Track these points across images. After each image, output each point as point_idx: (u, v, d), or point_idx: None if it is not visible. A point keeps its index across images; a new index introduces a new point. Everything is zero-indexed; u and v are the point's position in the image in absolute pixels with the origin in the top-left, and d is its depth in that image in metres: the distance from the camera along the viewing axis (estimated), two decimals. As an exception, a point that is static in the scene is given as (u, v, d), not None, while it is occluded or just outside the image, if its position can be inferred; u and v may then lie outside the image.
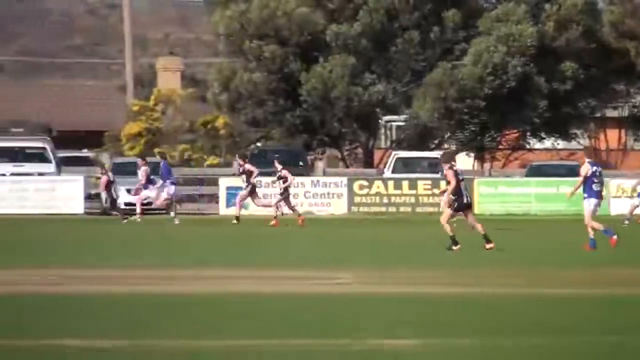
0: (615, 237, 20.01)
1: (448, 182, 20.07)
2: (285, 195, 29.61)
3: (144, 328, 10.84)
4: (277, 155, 31.78)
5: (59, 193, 32.48)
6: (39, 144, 36.50)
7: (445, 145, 43.82)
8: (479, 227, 19.80)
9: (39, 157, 36.03)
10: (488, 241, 19.63)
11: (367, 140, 43.79)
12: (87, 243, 23.53)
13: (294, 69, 41.53)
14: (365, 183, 36.00)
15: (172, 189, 30.14)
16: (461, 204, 19.75)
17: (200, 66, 72.63)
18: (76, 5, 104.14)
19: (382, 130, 47.61)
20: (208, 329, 10.82)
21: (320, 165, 41.64)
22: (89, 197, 36.64)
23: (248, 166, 29.58)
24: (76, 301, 12.97)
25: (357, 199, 35.88)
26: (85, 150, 45.08)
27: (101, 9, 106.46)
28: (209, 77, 44.94)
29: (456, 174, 19.85)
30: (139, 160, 31.90)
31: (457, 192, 19.83)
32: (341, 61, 40.70)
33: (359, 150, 44.73)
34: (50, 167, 35.58)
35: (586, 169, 20.22)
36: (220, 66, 43.89)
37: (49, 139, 37.52)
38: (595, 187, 20.22)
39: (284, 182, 29.43)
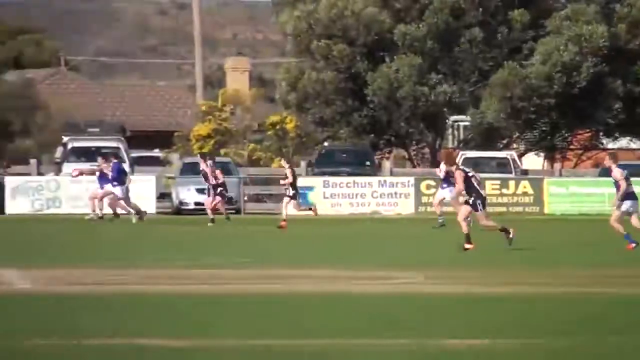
0: (633, 245, 20.11)
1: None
2: (293, 194, 28.47)
3: (226, 326, 11.13)
4: (283, 155, 31.12)
5: (131, 193, 32.87)
6: (114, 144, 36.94)
7: (514, 145, 43.68)
8: (464, 225, 19.93)
9: (114, 157, 36.50)
10: (469, 241, 19.76)
11: (434, 140, 43.77)
12: (154, 243, 23.96)
13: (360, 68, 41.70)
14: (432, 183, 36.04)
15: (117, 190, 30.07)
16: (484, 201, 20.05)
17: (268, 66, 73.08)
18: (148, 6, 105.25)
19: (450, 130, 47.56)
20: (276, 328, 11.07)
21: (387, 165, 41.74)
22: (160, 197, 37.13)
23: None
24: (144, 300, 13.29)
25: (424, 199, 35.95)
26: (157, 150, 45.63)
27: (172, 10, 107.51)
28: (277, 76, 45.24)
29: (465, 173, 19.98)
30: (100, 159, 31.55)
31: (474, 191, 19.95)
32: (408, 61, 40.75)
33: (426, 150, 44.71)
34: (124, 167, 36.04)
35: (619, 172, 20.42)
36: (288, 66, 44.17)
37: (123, 138, 37.91)
38: (629, 189, 20.46)
39: (286, 181, 28.46)
